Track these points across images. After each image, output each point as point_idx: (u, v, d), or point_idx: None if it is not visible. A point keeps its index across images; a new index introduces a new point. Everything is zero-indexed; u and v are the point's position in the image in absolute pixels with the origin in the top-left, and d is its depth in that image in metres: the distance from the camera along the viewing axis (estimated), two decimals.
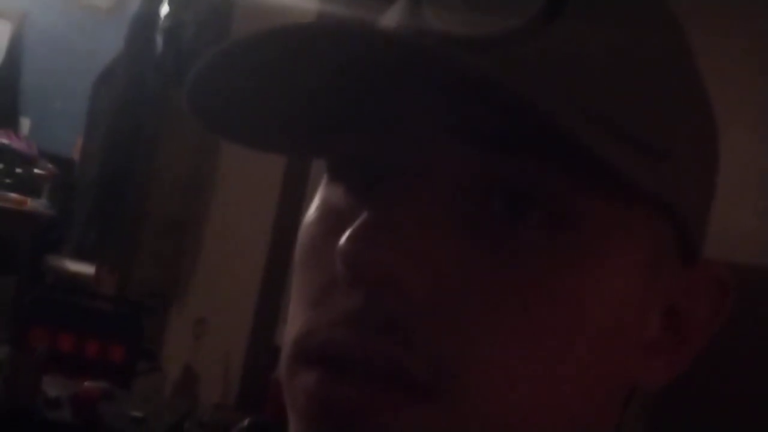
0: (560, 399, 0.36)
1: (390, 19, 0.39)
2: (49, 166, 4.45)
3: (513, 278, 0.34)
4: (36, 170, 4.43)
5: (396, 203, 0.35)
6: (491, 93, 0.31)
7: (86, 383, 2.30)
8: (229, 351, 3.08)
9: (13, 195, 4.22)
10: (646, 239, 0.37)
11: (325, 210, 0.39)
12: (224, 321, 3.16)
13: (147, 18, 3.61)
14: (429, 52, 0.32)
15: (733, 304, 0.40)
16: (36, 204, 4.29)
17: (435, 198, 0.35)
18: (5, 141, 4.42)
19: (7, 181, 4.28)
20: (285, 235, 3.04)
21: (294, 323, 0.38)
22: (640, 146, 0.35)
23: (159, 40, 3.56)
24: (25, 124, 4.78)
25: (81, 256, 4.00)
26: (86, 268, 3.88)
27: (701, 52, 0.41)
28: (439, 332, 0.34)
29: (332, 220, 0.38)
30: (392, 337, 0.34)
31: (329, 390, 0.34)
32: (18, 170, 4.35)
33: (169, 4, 3.57)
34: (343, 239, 0.34)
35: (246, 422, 1.96)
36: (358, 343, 0.34)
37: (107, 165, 3.62)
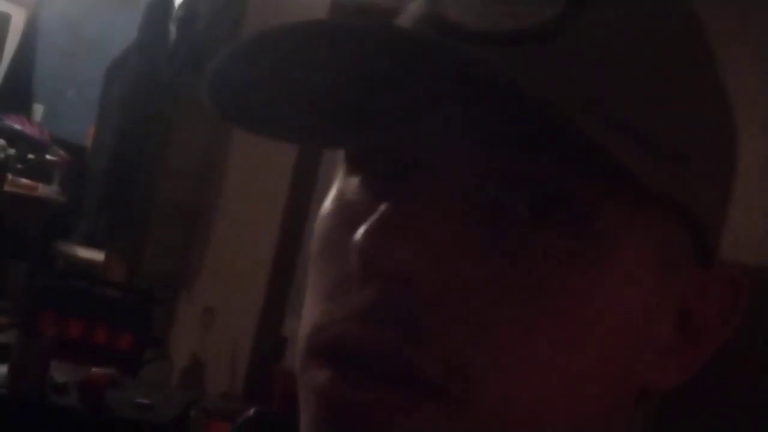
0: (571, 400, 0.35)
1: (412, 11, 0.38)
2: (61, 152, 4.47)
3: (529, 279, 0.34)
4: (48, 157, 4.44)
5: (414, 199, 0.34)
6: (511, 94, 0.31)
7: (94, 370, 2.31)
8: (236, 340, 3.09)
9: (25, 181, 4.24)
10: (661, 242, 0.36)
11: (342, 202, 0.38)
12: (232, 310, 3.17)
13: (161, 7, 3.61)
14: (449, 51, 0.32)
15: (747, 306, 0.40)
16: (47, 190, 4.31)
17: (454, 195, 0.34)
18: (18, 127, 4.43)
19: (19, 166, 4.30)
20: (294, 226, 3.05)
21: (308, 317, 0.37)
22: (659, 149, 0.35)
23: (172, 29, 3.56)
24: (38, 110, 4.80)
25: (91, 243, 4.01)
26: (96, 255, 3.90)
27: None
28: (452, 331, 0.33)
29: (348, 212, 0.37)
30: (405, 335, 0.33)
31: (340, 389, 0.34)
32: (30, 156, 4.37)
33: None
34: (359, 233, 0.33)
35: (252, 411, 1.96)
36: (370, 339, 0.34)
37: (119, 153, 3.63)
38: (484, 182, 0.34)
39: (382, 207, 0.34)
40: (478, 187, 0.34)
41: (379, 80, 0.34)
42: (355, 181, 0.38)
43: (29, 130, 4.48)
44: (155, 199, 3.57)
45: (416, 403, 0.33)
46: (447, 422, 0.33)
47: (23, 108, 4.63)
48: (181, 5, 3.57)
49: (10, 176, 4.18)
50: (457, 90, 0.33)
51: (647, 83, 0.35)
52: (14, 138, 4.38)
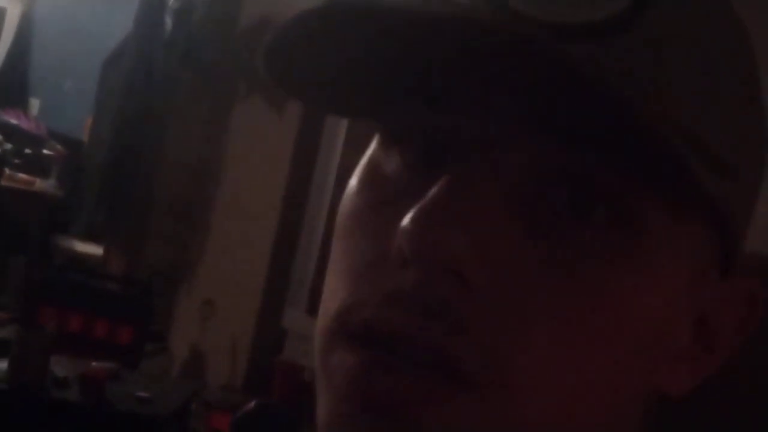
0: (598, 397, 0.35)
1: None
2: (58, 146, 4.46)
3: (569, 276, 0.34)
4: (45, 151, 4.43)
5: (464, 187, 0.33)
6: (589, 90, 0.30)
7: (94, 363, 2.31)
8: (236, 332, 3.09)
9: (22, 175, 4.23)
10: (694, 250, 0.36)
11: (375, 178, 0.38)
12: (232, 302, 3.17)
13: None
14: (528, 40, 0.31)
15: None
16: (45, 185, 4.30)
17: (503, 186, 0.34)
18: (15, 121, 4.42)
19: (16, 161, 4.29)
20: (293, 217, 3.04)
21: (335, 295, 0.36)
22: (713, 158, 0.34)
23: (168, 20, 3.55)
24: (35, 104, 4.78)
25: (89, 236, 4.01)
26: (95, 249, 3.89)
27: None
28: (491, 324, 0.33)
29: (384, 190, 0.37)
30: (444, 323, 0.33)
31: (371, 375, 0.33)
32: (27, 151, 4.36)
33: None
34: (408, 218, 0.33)
35: (253, 403, 1.97)
36: (407, 323, 0.33)
37: (116, 146, 3.62)
38: (532, 176, 0.34)
39: (432, 192, 0.33)
40: (526, 180, 0.34)
41: (433, 58, 0.34)
42: (393, 157, 0.37)
43: (25, 124, 4.47)
44: (153, 192, 3.56)
45: (450, 392, 0.33)
46: (479, 413, 0.33)
47: (19, 102, 4.62)
48: None
49: (7, 171, 4.17)
50: (515, 79, 0.33)
51: (712, 90, 0.35)
52: (11, 133, 4.37)
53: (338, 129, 2.97)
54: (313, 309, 2.88)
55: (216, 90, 3.39)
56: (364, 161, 0.39)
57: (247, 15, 3.33)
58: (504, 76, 0.33)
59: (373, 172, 0.38)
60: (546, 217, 0.34)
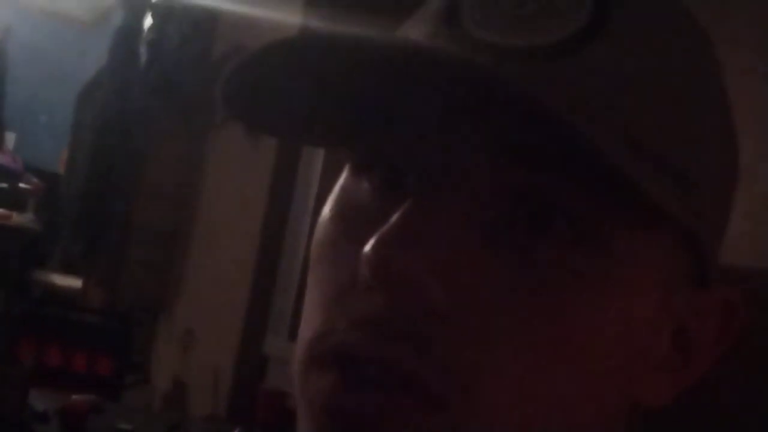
0: (569, 416, 0.36)
1: (418, 28, 0.38)
2: (35, 180, 4.44)
3: (533, 296, 0.34)
4: (21, 185, 4.41)
5: (424, 210, 0.34)
6: (531, 110, 0.31)
7: (74, 396, 2.29)
8: (218, 362, 3.07)
9: None
10: (664, 263, 0.37)
11: (345, 206, 0.38)
12: (213, 332, 3.15)
13: (130, 30, 3.61)
14: (470, 65, 0.32)
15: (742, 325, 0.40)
16: (22, 219, 4.27)
17: (462, 208, 0.35)
18: None
19: None
20: (273, 245, 3.04)
21: (309, 324, 0.37)
22: (674, 175, 0.35)
23: (143, 51, 3.56)
24: (10, 138, 4.76)
25: (68, 269, 3.98)
26: (73, 282, 3.86)
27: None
28: (456, 344, 0.34)
29: (352, 216, 0.38)
30: (409, 345, 0.33)
31: (343, 394, 0.34)
32: (3, 185, 4.33)
33: (153, 16, 3.57)
34: (370, 244, 0.33)
35: None
36: (374, 347, 0.34)
37: (93, 178, 3.61)
38: (491, 196, 0.35)
39: (394, 218, 0.34)
40: (486, 200, 0.35)
41: (394, 89, 0.35)
42: (361, 184, 0.38)
43: (1, 158, 4.44)
44: (131, 223, 3.55)
45: (417, 412, 0.34)
46: None
47: None
48: (151, 28, 3.57)
49: None
50: (471, 102, 0.34)
51: (666, 107, 0.36)
52: None
53: (316, 156, 2.98)
54: (294, 335, 2.87)
55: (192, 120, 3.39)
56: (335, 189, 0.40)
57: (221, 44, 3.34)
58: (463, 100, 0.34)
59: (343, 199, 0.39)
60: (508, 238, 0.35)
